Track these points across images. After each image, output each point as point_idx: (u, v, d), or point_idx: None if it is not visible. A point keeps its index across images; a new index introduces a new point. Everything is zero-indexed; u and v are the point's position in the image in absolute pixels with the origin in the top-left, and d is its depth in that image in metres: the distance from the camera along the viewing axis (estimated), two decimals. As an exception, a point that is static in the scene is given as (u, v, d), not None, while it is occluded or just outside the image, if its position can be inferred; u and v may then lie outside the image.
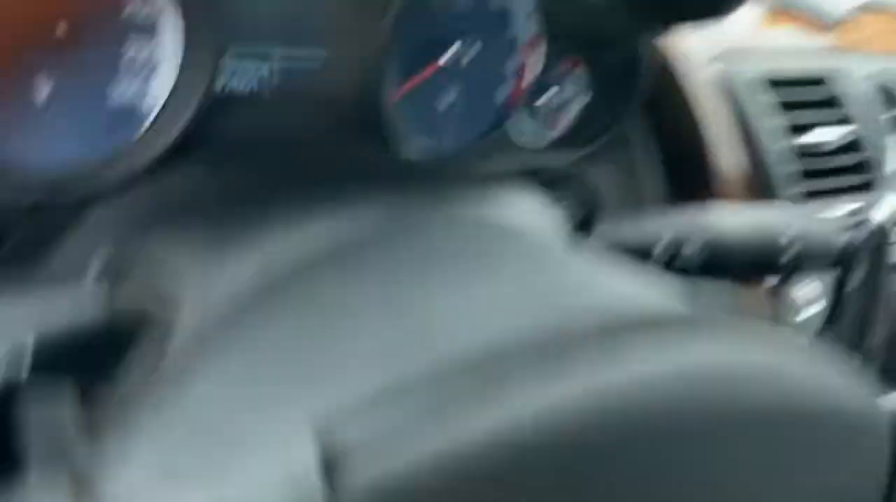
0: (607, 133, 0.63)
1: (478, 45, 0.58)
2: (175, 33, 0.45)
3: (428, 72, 0.56)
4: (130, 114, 0.45)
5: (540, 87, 0.62)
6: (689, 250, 0.50)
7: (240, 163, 0.43)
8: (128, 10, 0.44)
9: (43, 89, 0.43)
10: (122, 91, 0.45)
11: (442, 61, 0.56)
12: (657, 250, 0.50)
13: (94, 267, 0.37)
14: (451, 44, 0.57)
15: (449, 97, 0.58)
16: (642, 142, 0.66)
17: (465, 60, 0.58)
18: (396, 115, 0.54)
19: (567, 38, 0.62)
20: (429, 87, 0.57)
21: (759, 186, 0.66)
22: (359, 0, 0.51)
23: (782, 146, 0.68)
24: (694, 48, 0.67)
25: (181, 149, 0.45)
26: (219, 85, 0.47)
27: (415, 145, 0.54)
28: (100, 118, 0.44)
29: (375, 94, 0.52)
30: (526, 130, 0.62)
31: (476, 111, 0.59)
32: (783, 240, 0.52)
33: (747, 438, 0.24)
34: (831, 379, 0.25)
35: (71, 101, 0.43)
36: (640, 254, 0.47)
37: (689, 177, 0.67)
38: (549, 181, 0.61)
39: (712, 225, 0.50)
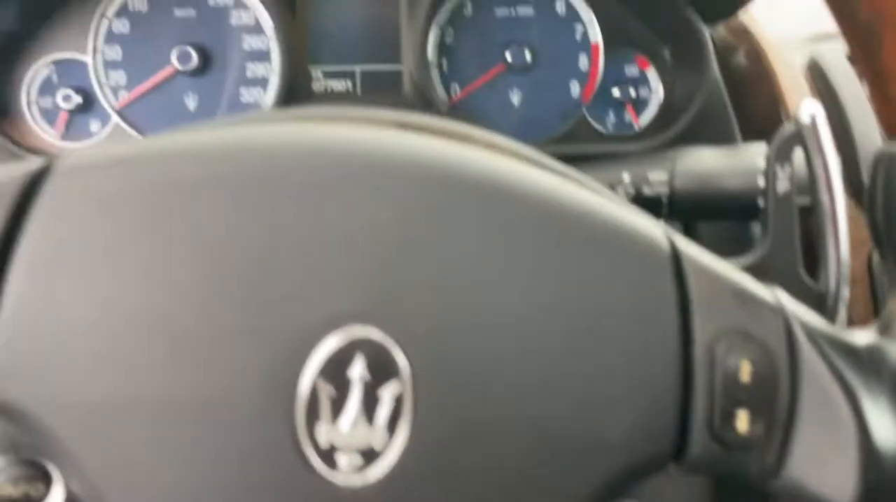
0: (683, 120, 0.68)
1: (547, 47, 0.69)
2: (278, 58, 0.66)
3: (492, 73, 0.68)
4: (256, 109, 0.67)
5: (616, 82, 0.69)
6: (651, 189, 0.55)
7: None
8: (246, 42, 0.66)
9: (192, 102, 0.66)
10: (248, 95, 0.67)
11: (507, 62, 0.68)
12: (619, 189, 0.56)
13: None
14: (516, 47, 0.68)
15: (521, 93, 0.69)
16: (730, 126, 0.69)
17: (533, 61, 0.68)
18: (461, 111, 0.67)
19: (632, 40, 0.69)
20: (497, 86, 0.69)
21: (852, 169, 0.65)
22: (409, 24, 0.67)
23: (875, 130, 0.64)
24: (785, 32, 0.68)
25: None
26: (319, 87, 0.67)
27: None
28: (236, 114, 0.66)
29: (431, 96, 0.66)
30: (610, 123, 0.70)
31: (551, 105, 0.69)
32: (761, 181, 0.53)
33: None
34: None
35: (213, 106, 0.66)
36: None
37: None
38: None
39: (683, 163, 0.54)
